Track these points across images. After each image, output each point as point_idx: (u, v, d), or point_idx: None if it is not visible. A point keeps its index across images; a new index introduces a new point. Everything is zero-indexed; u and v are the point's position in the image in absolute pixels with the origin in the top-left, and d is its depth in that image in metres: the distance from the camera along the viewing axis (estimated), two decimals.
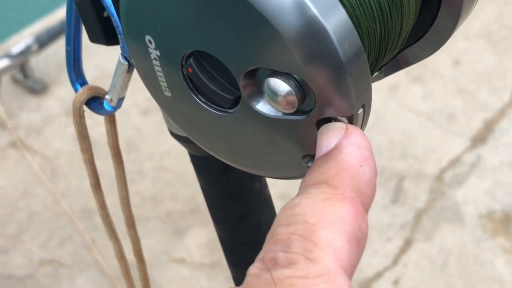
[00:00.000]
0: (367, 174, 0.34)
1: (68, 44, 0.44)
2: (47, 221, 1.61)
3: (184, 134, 0.43)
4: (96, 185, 0.52)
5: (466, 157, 1.67)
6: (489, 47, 1.92)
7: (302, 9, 0.33)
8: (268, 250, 0.31)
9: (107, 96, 0.45)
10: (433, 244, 1.52)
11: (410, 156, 1.67)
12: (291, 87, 0.34)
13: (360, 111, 0.36)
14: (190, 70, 0.37)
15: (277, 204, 1.53)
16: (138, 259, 0.57)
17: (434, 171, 1.64)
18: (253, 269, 0.31)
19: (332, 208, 0.32)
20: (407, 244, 1.53)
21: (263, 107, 0.37)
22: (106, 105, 0.45)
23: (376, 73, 0.45)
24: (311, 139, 0.36)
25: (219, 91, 0.37)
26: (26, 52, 1.82)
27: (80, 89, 0.46)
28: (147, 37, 0.38)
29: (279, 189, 1.59)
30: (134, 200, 1.64)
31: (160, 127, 1.76)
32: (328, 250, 0.30)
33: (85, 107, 0.46)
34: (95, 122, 1.78)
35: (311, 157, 0.38)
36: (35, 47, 1.82)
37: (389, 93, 1.81)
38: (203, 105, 0.39)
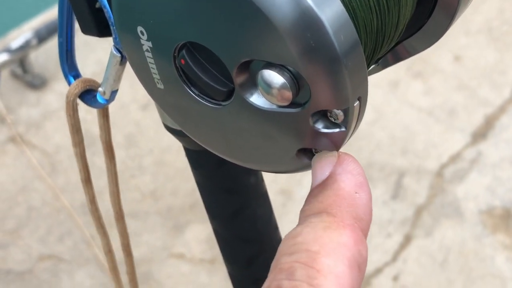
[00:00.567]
0: (363, 200, 0.35)
1: (60, 35, 0.44)
2: (46, 216, 1.60)
3: (178, 128, 0.43)
4: (87, 179, 0.52)
5: (467, 153, 1.66)
6: (490, 43, 1.91)
7: (297, 0, 0.32)
8: (273, 278, 0.32)
9: (100, 89, 0.44)
10: (433, 240, 1.52)
11: (411, 152, 1.67)
12: (285, 79, 0.34)
13: (356, 103, 0.35)
14: (182, 61, 0.37)
15: (278, 200, 1.52)
16: (126, 253, 0.58)
17: (434, 167, 1.64)
18: None
19: (332, 236, 0.33)
20: (407, 240, 1.52)
21: (257, 99, 0.36)
22: (99, 98, 0.45)
23: (373, 66, 0.44)
24: (306, 132, 0.36)
25: (212, 83, 0.37)
26: (25, 47, 1.81)
27: (74, 82, 0.45)
28: (139, 28, 0.37)
29: (278, 185, 1.59)
30: (134, 195, 1.65)
31: (160, 122, 1.74)
32: (330, 276, 0.32)
33: (78, 100, 0.46)
34: (95, 117, 1.77)
35: (306, 150, 0.37)
36: (34, 41, 1.81)
37: (390, 89, 1.80)
38: (196, 97, 0.38)
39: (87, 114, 1.72)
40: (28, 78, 1.88)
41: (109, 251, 0.57)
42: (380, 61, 0.44)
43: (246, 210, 0.54)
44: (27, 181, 1.67)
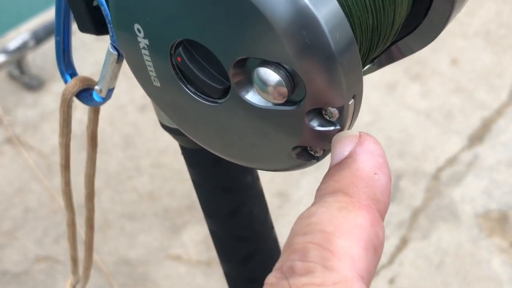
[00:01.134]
0: (382, 181, 0.34)
1: (57, 34, 0.44)
2: (43, 217, 1.60)
3: (175, 126, 0.43)
4: (66, 166, 0.55)
5: (463, 156, 1.67)
6: (488, 46, 1.91)
7: None
8: (286, 259, 0.32)
9: (96, 87, 0.44)
10: (430, 243, 1.52)
11: (408, 155, 1.67)
12: (281, 77, 0.34)
13: (351, 102, 0.35)
14: (179, 59, 0.37)
15: (274, 202, 1.51)
16: (89, 226, 0.60)
17: (431, 170, 1.64)
18: (271, 278, 0.31)
19: (348, 217, 0.32)
20: (404, 242, 1.52)
21: (253, 97, 0.36)
22: (95, 96, 0.45)
23: (368, 65, 0.44)
24: (301, 130, 0.36)
25: (208, 81, 0.37)
26: (22, 48, 1.81)
27: (72, 80, 0.46)
28: (136, 26, 0.37)
29: (275, 186, 1.59)
30: (131, 196, 1.65)
31: (157, 124, 1.75)
32: (345, 258, 0.31)
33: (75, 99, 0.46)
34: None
35: (301, 148, 0.38)
36: (31, 43, 1.81)
37: (388, 91, 1.80)
38: (193, 95, 0.38)
39: (85, 115, 1.73)
40: (25, 79, 1.88)
41: (72, 224, 0.60)
42: (376, 60, 0.44)
43: (242, 209, 0.54)
44: (23, 182, 1.67)
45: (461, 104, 1.77)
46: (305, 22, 0.33)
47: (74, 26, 0.44)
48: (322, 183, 0.35)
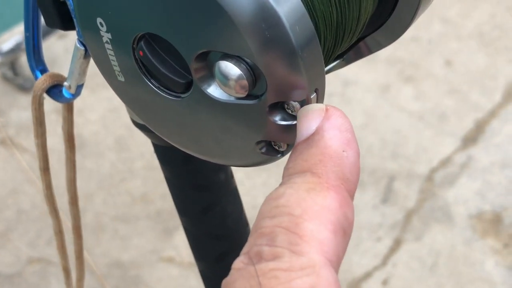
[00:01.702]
0: (350, 159, 0.33)
1: (27, 30, 0.44)
2: (36, 219, 1.60)
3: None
4: (45, 168, 0.54)
5: (457, 158, 1.66)
6: (481, 47, 1.91)
7: None
8: (253, 243, 0.31)
9: (65, 83, 0.44)
10: (423, 244, 1.51)
11: (401, 156, 1.67)
12: (242, 71, 0.34)
13: (313, 95, 0.35)
14: (141, 53, 0.37)
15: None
16: (76, 234, 0.59)
17: (424, 171, 1.64)
18: (237, 263, 0.31)
19: (317, 198, 0.31)
20: (397, 244, 1.52)
21: (215, 91, 0.36)
22: (65, 93, 0.44)
23: (338, 61, 0.44)
24: (264, 124, 0.36)
25: (170, 75, 0.37)
26: (16, 50, 1.81)
27: (42, 77, 0.45)
28: (98, 20, 0.37)
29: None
30: (124, 199, 1.65)
31: None
32: (313, 242, 0.30)
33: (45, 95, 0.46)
34: (86, 121, 1.77)
35: (265, 143, 0.37)
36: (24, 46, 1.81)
37: (381, 93, 1.80)
38: (156, 90, 0.38)
39: (78, 118, 1.73)
40: (19, 80, 1.87)
41: (59, 232, 0.59)
42: (345, 56, 0.44)
43: (215, 207, 0.54)
44: (16, 184, 1.67)
45: (455, 106, 1.77)
46: (265, 17, 0.33)
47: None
48: (289, 161, 0.34)
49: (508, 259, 1.48)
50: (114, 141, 1.74)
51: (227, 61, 0.34)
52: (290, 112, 0.35)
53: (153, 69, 0.37)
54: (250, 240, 0.31)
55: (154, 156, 0.55)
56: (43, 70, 0.46)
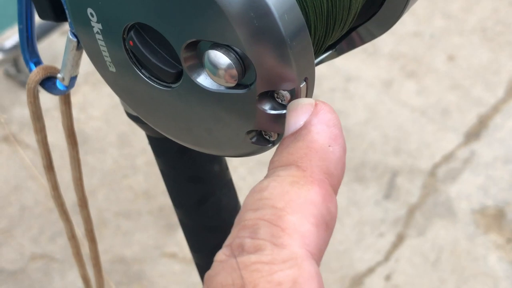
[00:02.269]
0: (336, 154, 0.33)
1: (20, 22, 0.44)
2: (39, 215, 1.60)
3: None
4: (49, 166, 0.52)
5: (460, 153, 1.66)
6: (484, 42, 1.91)
7: None
8: (235, 235, 0.31)
9: (59, 75, 0.44)
10: (426, 240, 1.51)
11: (404, 152, 1.67)
12: (231, 60, 0.34)
13: (303, 84, 0.35)
14: (131, 43, 0.37)
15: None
16: (90, 239, 0.57)
17: (427, 167, 1.64)
18: (220, 255, 0.31)
19: (300, 192, 0.32)
20: (400, 239, 1.52)
21: (204, 80, 0.36)
22: (59, 85, 0.44)
23: (330, 52, 0.44)
24: (254, 113, 0.36)
25: (160, 65, 0.37)
26: (19, 47, 1.81)
27: (35, 69, 0.45)
28: (89, 10, 0.37)
29: None
30: (126, 195, 1.65)
31: None
32: (295, 235, 0.30)
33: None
34: (88, 117, 1.77)
35: (256, 132, 0.37)
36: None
37: (383, 88, 1.80)
38: (147, 80, 0.38)
39: (80, 114, 1.73)
40: (22, 77, 1.88)
41: (72, 237, 0.57)
42: (337, 47, 0.44)
43: (210, 199, 0.54)
44: (20, 181, 1.67)
45: (458, 101, 1.77)
46: (254, 6, 0.33)
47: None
48: (275, 154, 0.34)
49: (511, 254, 1.48)
50: (116, 137, 1.74)
51: (216, 50, 0.34)
52: (280, 102, 0.35)
53: (144, 59, 0.37)
54: (233, 232, 0.31)
55: None
56: (37, 62, 0.46)
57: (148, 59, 0.37)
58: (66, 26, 0.42)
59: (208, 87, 0.36)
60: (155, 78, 0.38)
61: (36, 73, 0.45)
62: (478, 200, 1.57)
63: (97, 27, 0.38)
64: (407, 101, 1.77)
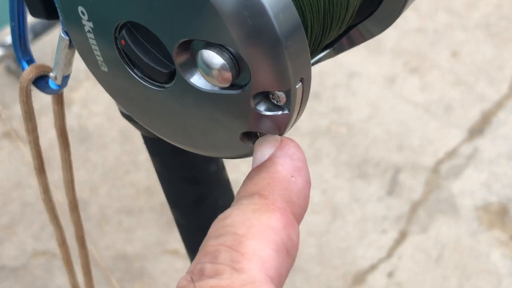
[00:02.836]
0: (298, 184, 0.34)
1: (12, 19, 0.43)
2: (40, 212, 1.60)
3: None
4: (40, 168, 0.51)
5: (463, 149, 1.65)
6: (488, 38, 1.90)
7: None
8: (197, 262, 0.32)
9: (51, 74, 0.44)
10: (429, 236, 1.51)
11: (407, 148, 1.66)
12: (225, 60, 0.33)
13: (299, 85, 0.34)
14: (123, 42, 0.36)
15: None
16: (80, 244, 0.57)
17: (430, 163, 1.63)
18: (182, 281, 0.32)
19: (261, 218, 0.32)
20: (402, 236, 1.51)
21: (198, 81, 0.36)
22: (51, 84, 0.44)
23: (327, 51, 0.43)
24: (248, 115, 0.35)
25: (153, 65, 0.36)
26: None
27: (28, 68, 0.45)
28: (80, 8, 0.36)
29: None
30: (128, 191, 1.64)
31: None
32: (254, 259, 0.31)
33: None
34: (90, 113, 1.77)
35: (251, 134, 0.37)
36: (29, 37, 1.81)
37: (386, 84, 1.79)
38: (140, 80, 0.38)
39: (82, 110, 1.72)
40: None
41: (62, 243, 0.56)
42: (335, 45, 0.43)
43: (206, 199, 0.53)
44: (21, 177, 1.67)
45: (461, 97, 1.76)
46: (248, 5, 0.32)
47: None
48: (241, 186, 0.35)
49: None
50: (118, 133, 1.73)
51: (210, 50, 0.34)
52: (275, 103, 0.35)
53: (136, 59, 0.36)
54: (196, 259, 0.32)
55: None
56: (30, 60, 0.45)
57: (140, 58, 0.36)
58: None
59: (202, 88, 0.35)
60: (147, 78, 0.37)
61: (28, 72, 0.44)
62: (481, 196, 1.56)
63: (88, 25, 0.37)
64: (410, 97, 1.76)
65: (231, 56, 0.33)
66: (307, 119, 1.70)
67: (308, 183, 0.35)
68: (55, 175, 1.64)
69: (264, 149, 0.35)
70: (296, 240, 0.33)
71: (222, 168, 0.54)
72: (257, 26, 0.32)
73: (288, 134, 0.36)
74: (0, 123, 1.78)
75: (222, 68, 0.33)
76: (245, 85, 0.34)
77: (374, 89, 1.78)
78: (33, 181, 1.65)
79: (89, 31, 0.37)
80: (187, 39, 0.34)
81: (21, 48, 0.45)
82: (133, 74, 0.38)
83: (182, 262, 1.51)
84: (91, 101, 1.76)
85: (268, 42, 0.32)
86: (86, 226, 1.58)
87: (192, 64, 0.35)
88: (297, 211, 0.34)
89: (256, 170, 0.35)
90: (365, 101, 1.75)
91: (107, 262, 1.50)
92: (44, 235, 1.56)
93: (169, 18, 0.34)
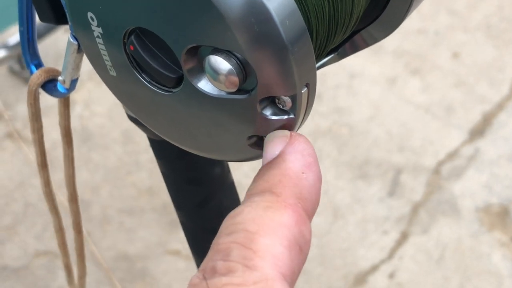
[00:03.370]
0: (310, 180, 0.34)
1: (21, 24, 0.44)
2: (43, 212, 1.60)
3: None
4: (43, 164, 0.54)
5: (464, 150, 1.66)
6: (489, 39, 1.90)
7: None
8: (209, 259, 0.32)
9: (60, 78, 0.44)
10: (430, 237, 1.51)
11: (408, 149, 1.66)
12: (232, 66, 0.34)
13: (304, 90, 0.35)
14: (131, 48, 0.37)
15: None
16: (77, 231, 0.59)
17: (431, 164, 1.63)
18: (193, 279, 0.32)
19: (273, 216, 0.32)
20: (404, 237, 1.52)
21: (205, 86, 0.36)
22: (59, 87, 0.44)
23: (331, 55, 0.44)
24: (255, 119, 0.36)
25: (161, 70, 0.37)
26: None
27: (37, 72, 0.45)
28: (89, 14, 0.37)
29: None
30: (130, 192, 1.65)
31: None
32: (267, 257, 0.31)
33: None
34: (92, 114, 1.77)
35: (257, 138, 0.37)
36: None
37: (388, 85, 1.80)
38: (148, 84, 0.38)
39: (84, 110, 1.73)
40: (26, 74, 1.87)
41: (59, 229, 0.59)
42: (339, 50, 0.44)
43: (211, 201, 0.54)
44: (24, 177, 1.67)
45: (462, 98, 1.76)
46: (255, 12, 0.32)
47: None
48: (252, 183, 0.35)
49: None
50: (120, 134, 1.74)
51: (217, 55, 0.34)
52: (281, 107, 0.35)
53: (144, 64, 0.37)
54: (207, 256, 0.32)
55: None
56: (38, 64, 0.46)
57: (149, 63, 0.37)
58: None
59: (209, 92, 0.36)
60: (155, 82, 0.38)
61: (38, 76, 0.45)
62: (482, 197, 1.57)
63: (97, 31, 0.38)
64: (411, 98, 1.77)
65: (238, 61, 0.34)
66: (308, 119, 1.70)
67: (319, 179, 0.35)
68: (57, 175, 1.65)
69: (274, 146, 0.35)
70: (308, 237, 0.33)
71: (227, 170, 0.54)
72: (263, 32, 0.33)
73: None
74: (2, 123, 1.79)
75: (229, 73, 0.34)
76: (251, 90, 0.35)
77: (375, 90, 1.79)
78: (36, 182, 1.65)
79: (98, 37, 0.38)
80: (194, 45, 0.35)
81: (29, 52, 0.45)
82: (141, 79, 0.38)
83: (183, 263, 1.51)
84: (93, 101, 1.76)
85: (275, 48, 0.33)
86: (88, 226, 1.58)
87: (200, 69, 0.36)
88: (309, 208, 0.34)
89: (267, 167, 0.35)
90: (366, 102, 1.76)
91: (108, 262, 1.50)
92: (46, 236, 1.56)
93: (177, 25, 0.34)
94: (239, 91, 0.35)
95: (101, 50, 0.39)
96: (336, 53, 0.44)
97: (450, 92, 1.77)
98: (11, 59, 1.83)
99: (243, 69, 0.34)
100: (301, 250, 0.32)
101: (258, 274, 0.30)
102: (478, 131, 1.69)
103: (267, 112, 0.35)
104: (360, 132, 1.70)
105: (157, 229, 1.56)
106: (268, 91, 0.34)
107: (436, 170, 1.62)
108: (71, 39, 0.42)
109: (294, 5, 0.33)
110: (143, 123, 0.42)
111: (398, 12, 0.42)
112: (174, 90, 0.38)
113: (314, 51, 0.37)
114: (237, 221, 0.33)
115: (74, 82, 0.44)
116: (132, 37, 0.36)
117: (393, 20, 0.42)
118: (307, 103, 0.36)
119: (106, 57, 0.39)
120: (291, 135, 0.35)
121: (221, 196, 0.54)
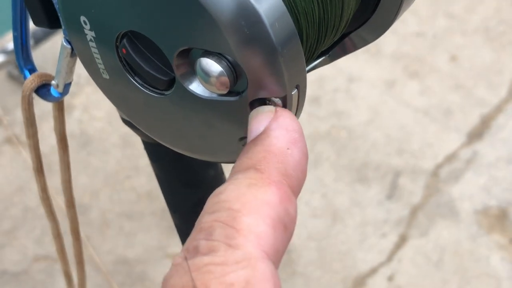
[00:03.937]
0: (295, 156, 0.33)
1: (14, 29, 0.44)
2: (42, 216, 1.59)
3: None
4: (39, 169, 0.54)
5: (462, 153, 1.66)
6: (487, 42, 1.90)
7: None
8: (192, 239, 0.31)
9: (53, 82, 0.45)
10: (428, 240, 1.51)
11: (406, 152, 1.67)
12: (223, 68, 0.34)
13: (294, 92, 0.35)
14: (124, 51, 0.37)
15: None
16: (75, 237, 0.59)
17: (430, 167, 1.64)
18: (176, 259, 0.31)
19: (257, 193, 0.31)
20: (402, 240, 1.52)
21: (197, 88, 0.37)
22: (53, 92, 0.45)
23: (323, 58, 0.44)
24: (246, 120, 0.36)
25: (153, 72, 0.37)
26: None
27: (30, 76, 0.46)
28: (82, 18, 0.37)
29: None
30: (129, 196, 1.65)
31: None
32: (250, 236, 0.30)
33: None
34: (91, 118, 1.78)
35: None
36: (30, 43, 1.81)
37: (386, 88, 1.80)
38: (140, 87, 0.39)
39: (83, 115, 1.73)
40: None
41: (58, 235, 0.59)
42: (330, 52, 0.44)
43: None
44: (23, 182, 1.68)
45: (460, 101, 1.77)
46: (245, 14, 0.33)
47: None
48: (236, 160, 0.34)
49: None
50: (119, 138, 1.74)
51: (208, 58, 0.34)
52: None
53: (136, 67, 0.37)
54: (191, 236, 0.31)
55: None
56: (32, 69, 0.46)
57: (141, 66, 0.37)
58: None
59: (200, 95, 0.36)
60: (148, 85, 0.38)
61: (31, 81, 0.45)
62: (480, 200, 1.57)
63: (90, 34, 0.38)
64: (409, 101, 1.77)
65: (228, 64, 0.34)
66: (307, 123, 1.71)
67: (305, 155, 0.34)
68: (56, 179, 1.65)
69: (259, 122, 0.34)
70: (293, 214, 0.32)
71: (221, 172, 0.54)
72: (253, 34, 0.33)
73: None
74: (1, 128, 1.79)
75: (220, 75, 0.34)
76: (242, 92, 0.35)
77: (374, 93, 1.79)
78: (35, 186, 1.65)
79: (91, 40, 0.38)
80: (186, 47, 0.35)
81: (23, 57, 0.45)
82: (134, 82, 0.39)
83: None
84: (92, 106, 1.77)
85: (265, 50, 0.33)
86: (87, 230, 1.58)
87: (191, 71, 0.36)
88: (294, 184, 0.33)
89: (251, 143, 0.34)
90: (364, 105, 1.76)
91: (108, 266, 1.50)
92: (46, 240, 1.56)
93: (169, 28, 0.35)
94: (230, 93, 0.35)
95: (94, 54, 0.39)
96: (327, 55, 0.44)
97: (448, 95, 1.78)
98: (10, 64, 1.83)
99: (234, 71, 0.34)
100: (285, 228, 0.31)
101: (240, 253, 0.30)
102: (476, 134, 1.70)
103: None
104: (358, 135, 1.70)
105: (156, 233, 1.56)
106: (259, 93, 0.35)
107: (435, 173, 1.62)
108: (65, 43, 0.42)
109: (284, 8, 0.34)
110: (136, 125, 0.42)
111: (388, 14, 0.42)
112: (166, 93, 0.38)
113: (304, 54, 0.37)
114: (220, 199, 0.32)
115: (67, 86, 0.45)
116: (125, 40, 0.37)
117: (383, 22, 0.42)
118: (298, 105, 0.36)
119: (99, 61, 0.39)
120: (276, 110, 0.34)
121: None
